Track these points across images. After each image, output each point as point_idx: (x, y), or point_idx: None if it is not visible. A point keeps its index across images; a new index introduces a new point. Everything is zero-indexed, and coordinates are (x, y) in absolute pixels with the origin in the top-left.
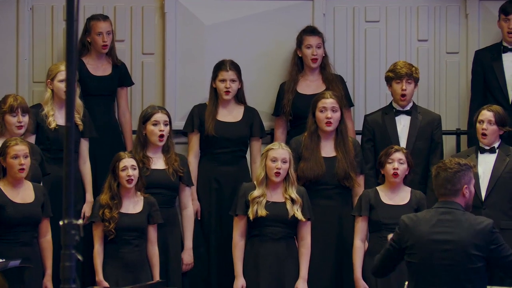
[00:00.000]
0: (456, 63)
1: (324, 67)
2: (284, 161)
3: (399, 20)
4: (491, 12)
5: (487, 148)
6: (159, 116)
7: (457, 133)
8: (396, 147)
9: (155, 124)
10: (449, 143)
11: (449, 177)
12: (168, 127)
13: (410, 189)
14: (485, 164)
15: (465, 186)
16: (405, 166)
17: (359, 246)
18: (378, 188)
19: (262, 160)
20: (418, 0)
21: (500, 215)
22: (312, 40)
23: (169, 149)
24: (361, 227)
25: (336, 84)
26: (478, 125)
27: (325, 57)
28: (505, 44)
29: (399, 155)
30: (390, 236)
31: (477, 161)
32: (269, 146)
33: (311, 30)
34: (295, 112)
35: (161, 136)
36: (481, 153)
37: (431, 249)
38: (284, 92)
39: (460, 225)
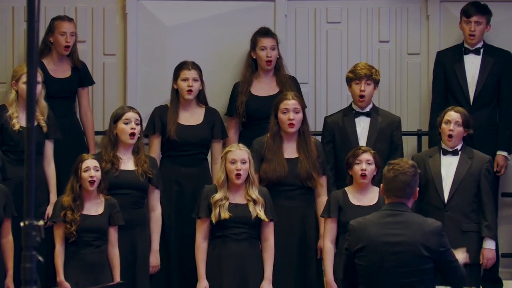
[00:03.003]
0: (417, 64)
1: (278, 68)
2: (243, 162)
3: (360, 21)
4: (452, 13)
5: (450, 150)
6: (131, 115)
7: (418, 134)
8: (363, 148)
9: (127, 122)
10: (410, 144)
11: (409, 181)
12: (139, 126)
13: (378, 189)
14: (448, 166)
15: (417, 188)
16: (373, 166)
17: (329, 248)
18: (346, 189)
19: (221, 163)
20: (379, 2)
21: (462, 217)
22: (266, 42)
23: (139, 150)
24: (330, 228)
25: (290, 86)
26: (444, 125)
27: (279, 59)
28: (466, 45)
29: (366, 156)
30: None
31: (440, 162)
32: (227, 148)
33: (265, 32)
34: (249, 114)
35: (132, 134)
36: (443, 154)
37: (381, 251)
38: (237, 92)
39: (410, 227)
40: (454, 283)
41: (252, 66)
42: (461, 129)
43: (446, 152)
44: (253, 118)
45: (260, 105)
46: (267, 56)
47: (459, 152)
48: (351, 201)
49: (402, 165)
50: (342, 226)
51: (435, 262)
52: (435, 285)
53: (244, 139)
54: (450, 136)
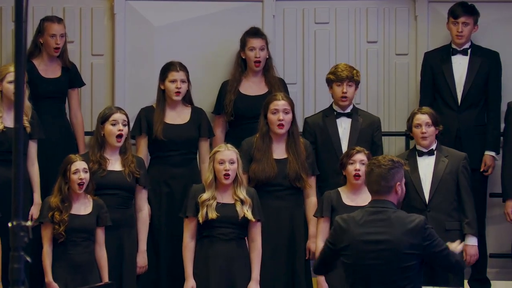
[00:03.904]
0: (405, 64)
1: (267, 69)
2: (231, 162)
3: (348, 22)
4: (440, 14)
5: (425, 150)
6: (118, 116)
7: (406, 134)
8: (357, 148)
9: (114, 124)
10: (398, 144)
11: (383, 174)
12: (126, 127)
13: None
14: (425, 166)
15: (398, 183)
16: None
17: None
18: (340, 189)
19: (209, 163)
20: (367, 2)
21: (445, 216)
22: (255, 43)
23: (126, 151)
24: (323, 228)
25: (278, 87)
26: (415, 129)
27: (268, 59)
28: (454, 46)
29: (360, 156)
30: None
31: (417, 164)
32: (216, 148)
33: (254, 32)
34: (237, 113)
35: (119, 136)
36: (419, 156)
37: (364, 250)
38: (226, 91)
39: (392, 225)
40: (451, 270)
41: (242, 66)
42: (432, 128)
43: (421, 153)
44: (241, 117)
45: (248, 104)
46: (256, 57)
47: (435, 152)
48: (344, 201)
49: (379, 160)
50: None
51: (423, 257)
52: (421, 280)
53: (231, 138)
54: (424, 138)
